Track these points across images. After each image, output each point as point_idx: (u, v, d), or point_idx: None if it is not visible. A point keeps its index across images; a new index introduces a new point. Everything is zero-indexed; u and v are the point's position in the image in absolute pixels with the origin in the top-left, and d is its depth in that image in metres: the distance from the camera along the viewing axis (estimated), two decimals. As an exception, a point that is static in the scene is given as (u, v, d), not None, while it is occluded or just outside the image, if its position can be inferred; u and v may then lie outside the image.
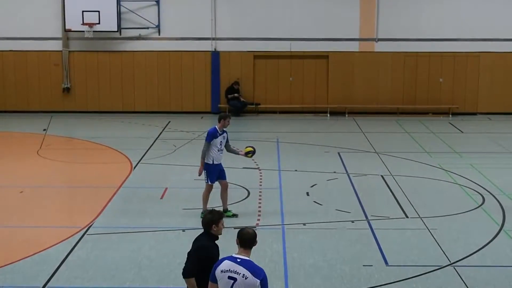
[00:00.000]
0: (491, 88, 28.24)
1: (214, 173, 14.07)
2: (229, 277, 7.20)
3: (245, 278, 7.15)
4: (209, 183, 14.11)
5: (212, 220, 8.04)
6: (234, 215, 14.29)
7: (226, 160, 20.42)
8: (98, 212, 14.68)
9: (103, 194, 16.13)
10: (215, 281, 7.31)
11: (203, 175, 14.13)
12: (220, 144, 14.04)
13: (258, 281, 7.15)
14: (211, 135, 13.94)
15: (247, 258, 7.30)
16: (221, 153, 14.13)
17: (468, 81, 28.25)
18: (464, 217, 14.61)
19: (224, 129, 14.10)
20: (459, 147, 21.84)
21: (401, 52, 28.01)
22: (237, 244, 7.43)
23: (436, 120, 27.27)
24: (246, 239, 7.38)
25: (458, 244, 12.91)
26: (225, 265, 7.26)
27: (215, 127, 14.04)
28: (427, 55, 28.03)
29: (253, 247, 7.43)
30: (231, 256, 7.35)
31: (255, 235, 7.43)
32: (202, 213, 13.98)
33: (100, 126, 25.76)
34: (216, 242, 8.09)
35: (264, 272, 7.24)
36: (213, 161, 13.99)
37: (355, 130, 24.99)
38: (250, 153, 14.44)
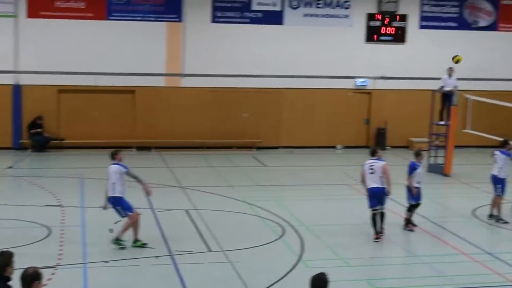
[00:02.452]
0: (292, 123, 29.34)
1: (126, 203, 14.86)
2: None
3: None
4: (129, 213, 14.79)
5: (5, 263, 7.88)
6: (144, 245, 14.67)
7: (26, 197, 19.73)
8: None
9: None
10: None
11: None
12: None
13: None
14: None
15: None
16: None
17: (271, 116, 29.19)
18: (265, 249, 15.02)
19: (121, 163, 14.98)
20: (262, 181, 22.47)
21: (207, 87, 28.46)
22: None
23: (241, 154, 27.87)
24: (22, 277, 7.47)
25: (260, 275, 13.24)
26: None
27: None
28: (232, 91, 28.65)
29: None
30: None
31: (30, 273, 7.49)
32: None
33: None
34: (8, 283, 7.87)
35: None
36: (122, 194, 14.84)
37: (161, 165, 25.01)
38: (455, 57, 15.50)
